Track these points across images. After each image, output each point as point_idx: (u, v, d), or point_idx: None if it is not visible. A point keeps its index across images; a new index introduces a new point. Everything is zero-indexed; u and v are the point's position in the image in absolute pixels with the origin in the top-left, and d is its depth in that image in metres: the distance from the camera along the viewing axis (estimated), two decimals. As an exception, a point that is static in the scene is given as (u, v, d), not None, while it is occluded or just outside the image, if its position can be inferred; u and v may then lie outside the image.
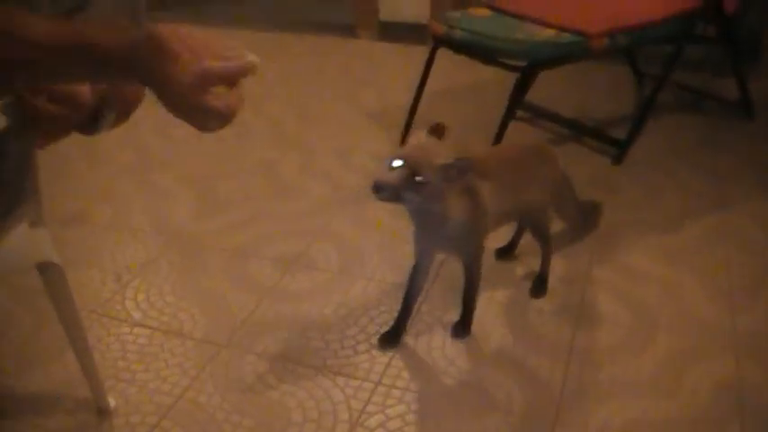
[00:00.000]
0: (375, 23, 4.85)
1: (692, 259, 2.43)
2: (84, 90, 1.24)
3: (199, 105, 0.98)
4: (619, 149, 3.12)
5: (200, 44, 1.00)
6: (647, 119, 3.23)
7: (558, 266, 2.34)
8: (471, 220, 1.91)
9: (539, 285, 2.28)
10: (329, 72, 4.30)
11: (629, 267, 2.39)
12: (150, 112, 1.27)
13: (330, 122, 3.53)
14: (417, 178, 1.69)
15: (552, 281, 2.29)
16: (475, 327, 2.09)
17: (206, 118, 1.00)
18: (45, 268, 1.54)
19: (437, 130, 1.84)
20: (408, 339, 2.05)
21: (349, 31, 4.92)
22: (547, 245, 2.27)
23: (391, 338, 2.04)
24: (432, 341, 2.06)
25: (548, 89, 3.47)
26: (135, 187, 2.90)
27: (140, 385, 1.88)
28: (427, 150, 1.76)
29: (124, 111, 1.39)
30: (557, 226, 2.41)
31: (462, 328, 2.08)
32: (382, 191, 1.68)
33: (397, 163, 1.69)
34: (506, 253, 2.45)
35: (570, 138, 3.35)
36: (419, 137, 1.83)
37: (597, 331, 2.10)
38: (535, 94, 3.29)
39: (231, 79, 1.02)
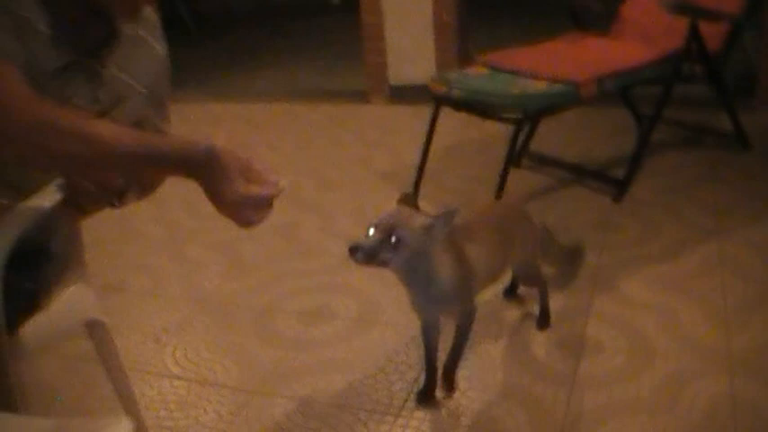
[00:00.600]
0: (386, 88, 5.11)
1: (688, 287, 2.59)
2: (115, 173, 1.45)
3: (238, 216, 1.31)
4: (618, 189, 3.30)
5: (246, 166, 1.32)
6: (645, 157, 3.43)
7: (560, 300, 2.52)
8: (459, 281, 1.98)
9: (542, 318, 2.44)
10: (344, 137, 4.54)
11: (629, 298, 2.55)
12: (177, 189, 1.49)
13: (346, 185, 3.75)
14: (392, 239, 1.78)
15: (555, 313, 2.45)
16: (484, 360, 2.27)
17: (239, 222, 1.32)
18: (93, 326, 1.74)
19: (406, 200, 1.93)
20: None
21: (361, 97, 5.18)
22: (541, 286, 2.44)
23: (427, 396, 2.14)
24: (446, 376, 2.23)
25: (552, 137, 3.70)
26: (168, 257, 3.11)
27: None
28: (399, 214, 1.86)
29: (148, 188, 1.61)
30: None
31: (449, 384, 2.13)
32: (357, 252, 1.76)
33: (372, 230, 1.80)
34: (512, 292, 2.61)
35: (573, 181, 3.54)
36: (390, 208, 1.91)
37: (598, 359, 2.25)
38: (541, 143, 3.50)
39: (266, 202, 1.34)
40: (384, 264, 1.83)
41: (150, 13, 1.61)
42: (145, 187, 1.61)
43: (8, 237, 1.36)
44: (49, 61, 1.38)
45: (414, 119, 4.45)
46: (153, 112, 1.65)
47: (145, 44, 1.59)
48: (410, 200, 1.95)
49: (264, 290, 2.79)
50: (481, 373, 2.23)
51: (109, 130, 1.27)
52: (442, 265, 1.94)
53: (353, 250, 1.76)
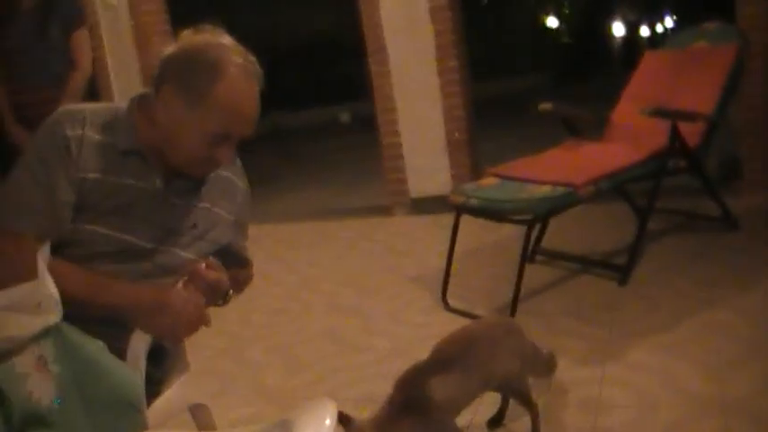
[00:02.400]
0: (407, 201, 5.62)
1: (686, 350, 2.99)
2: (225, 279, 1.90)
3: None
4: (622, 273, 3.73)
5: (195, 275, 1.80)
6: (643, 244, 3.87)
7: (577, 370, 2.92)
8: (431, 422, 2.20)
9: None
10: (373, 249, 5.02)
11: (636, 363, 2.95)
12: (233, 306, 1.94)
13: (380, 291, 4.19)
14: None
15: (574, 381, 2.85)
16: None
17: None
18: (197, 409, 2.16)
19: (341, 418, 2.07)
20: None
21: (384, 210, 5.69)
22: (531, 409, 2.49)
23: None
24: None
25: (560, 233, 4.17)
26: (232, 362, 3.55)
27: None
28: None
29: (243, 287, 2.08)
30: (570, 324, 3.03)
31: None
32: None
33: None
34: (497, 422, 2.64)
35: (582, 270, 3.99)
36: None
37: (612, 414, 2.64)
38: (551, 239, 3.94)
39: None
40: None
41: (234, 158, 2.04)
42: (240, 287, 2.08)
43: (147, 338, 1.80)
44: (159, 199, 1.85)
45: (434, 227, 4.93)
46: (239, 235, 2.13)
47: (230, 182, 2.04)
48: (344, 418, 2.10)
49: (321, 383, 3.21)
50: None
51: (62, 274, 1.57)
52: None
53: None
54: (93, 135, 1.80)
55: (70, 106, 1.89)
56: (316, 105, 13.41)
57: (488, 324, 2.71)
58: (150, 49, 6.20)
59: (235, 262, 2.05)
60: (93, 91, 6.55)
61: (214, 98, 1.74)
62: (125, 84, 6.32)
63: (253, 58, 1.81)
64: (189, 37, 1.82)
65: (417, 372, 2.31)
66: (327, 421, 1.25)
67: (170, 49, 1.81)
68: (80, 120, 1.80)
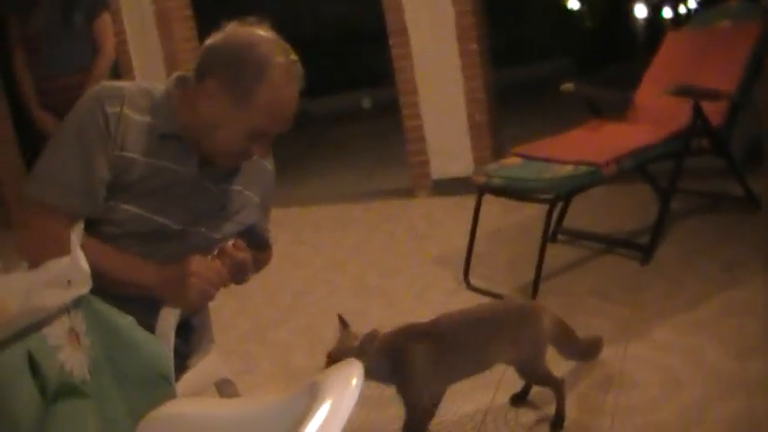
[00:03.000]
0: (429, 183, 5.63)
1: (709, 329, 3.00)
2: (250, 259, 1.93)
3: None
4: (645, 254, 3.73)
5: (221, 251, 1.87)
6: (666, 225, 3.87)
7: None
8: (400, 381, 2.35)
9: (556, 420, 2.51)
10: (397, 231, 5.04)
11: (658, 342, 2.96)
12: (257, 285, 1.97)
13: (405, 272, 4.22)
14: None
15: (594, 361, 2.86)
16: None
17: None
18: (223, 384, 2.20)
19: (343, 323, 2.38)
20: None
21: (407, 192, 5.71)
22: (553, 387, 2.52)
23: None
24: None
25: (583, 213, 4.18)
26: (257, 343, 3.58)
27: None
28: (340, 344, 2.30)
29: (258, 269, 2.11)
30: (593, 303, 3.04)
31: None
32: None
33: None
34: (520, 399, 2.69)
35: (604, 250, 3.99)
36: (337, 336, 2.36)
37: (633, 392, 2.65)
38: (573, 219, 3.95)
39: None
40: None
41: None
42: (258, 268, 2.11)
43: (176, 313, 1.84)
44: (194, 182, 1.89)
45: (457, 208, 4.94)
46: (263, 216, 2.16)
47: (260, 165, 2.07)
48: (345, 323, 2.37)
49: (346, 362, 3.24)
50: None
51: (93, 252, 1.60)
52: (380, 371, 2.30)
53: None
54: (132, 114, 1.82)
55: (109, 83, 1.91)
56: (339, 92, 13.41)
57: (501, 308, 2.71)
58: (173, 34, 6.24)
59: (256, 242, 2.08)
60: (116, 77, 6.61)
61: (257, 97, 1.78)
62: (147, 69, 6.34)
63: (295, 57, 1.85)
64: (235, 29, 1.84)
65: (410, 332, 2.43)
66: (354, 380, 1.27)
67: (216, 39, 1.83)
68: (119, 97, 1.82)
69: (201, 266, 1.80)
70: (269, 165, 2.12)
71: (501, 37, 9.07)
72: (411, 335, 2.41)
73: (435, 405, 2.51)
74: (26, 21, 4.31)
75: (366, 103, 13.11)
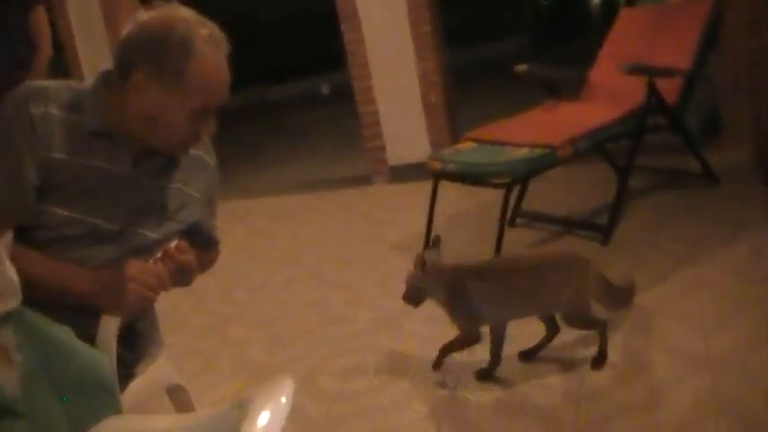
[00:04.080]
0: (386, 170, 5.57)
1: (671, 308, 2.98)
2: (194, 261, 1.84)
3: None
4: (604, 234, 3.70)
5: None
6: (625, 203, 3.84)
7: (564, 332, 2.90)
8: (455, 309, 2.70)
9: (598, 357, 2.68)
10: (355, 219, 4.97)
11: (620, 322, 2.92)
12: (212, 280, 1.89)
13: (363, 261, 4.16)
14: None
15: (557, 340, 2.81)
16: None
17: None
18: (174, 390, 2.12)
19: (436, 242, 2.77)
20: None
21: (364, 180, 5.64)
22: (597, 328, 2.69)
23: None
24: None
25: (541, 195, 4.14)
26: (215, 340, 3.50)
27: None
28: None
29: (203, 270, 2.02)
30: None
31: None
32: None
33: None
34: (529, 356, 2.81)
35: (564, 232, 3.95)
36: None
37: (599, 374, 2.63)
38: (531, 202, 3.91)
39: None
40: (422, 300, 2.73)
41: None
42: (204, 268, 2.03)
43: (116, 321, 1.76)
44: (126, 180, 1.81)
45: (415, 194, 4.88)
46: (207, 213, 2.07)
47: (200, 160, 1.99)
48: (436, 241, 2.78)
49: (305, 357, 3.17)
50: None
51: (24, 260, 1.57)
52: (439, 295, 2.70)
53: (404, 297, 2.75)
54: (58, 113, 1.74)
55: (32, 82, 1.81)
56: (296, 77, 13.29)
57: (546, 257, 2.93)
58: (118, 25, 6.10)
59: (201, 242, 2.01)
60: (63, 71, 6.46)
61: (190, 76, 1.70)
62: (93, 61, 6.21)
63: (214, 25, 1.76)
64: (147, 15, 1.74)
65: (464, 270, 2.77)
66: (283, 399, 1.30)
67: (131, 31, 1.74)
68: (43, 97, 1.74)
69: (139, 270, 1.72)
70: (210, 160, 2.03)
71: (454, 17, 9.01)
72: (465, 272, 2.74)
73: (500, 336, 2.74)
74: None
75: (325, 89, 13.01)
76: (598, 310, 2.71)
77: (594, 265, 2.70)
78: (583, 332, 2.82)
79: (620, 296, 2.85)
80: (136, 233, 1.84)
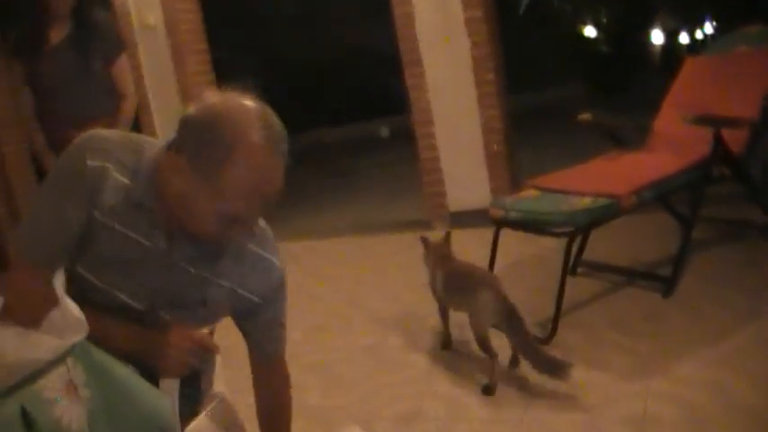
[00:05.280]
0: (446, 215, 5.57)
1: (735, 363, 2.91)
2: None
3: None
4: (667, 285, 3.65)
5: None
6: (688, 253, 3.78)
7: (619, 384, 2.86)
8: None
9: (485, 390, 3.04)
10: (413, 264, 4.94)
11: (682, 377, 2.87)
12: None
13: (423, 306, 4.12)
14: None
15: (617, 396, 2.79)
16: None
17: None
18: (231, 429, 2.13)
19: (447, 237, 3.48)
20: None
21: (424, 224, 5.64)
22: (486, 353, 3.06)
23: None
24: None
25: (603, 245, 4.10)
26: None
27: None
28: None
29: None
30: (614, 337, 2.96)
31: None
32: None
33: None
34: (513, 363, 3.19)
35: (625, 282, 3.91)
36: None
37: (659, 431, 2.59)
38: (593, 251, 3.87)
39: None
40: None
41: (263, 229, 1.89)
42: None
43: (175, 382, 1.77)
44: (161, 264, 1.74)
45: (475, 240, 4.85)
46: (268, 327, 2.06)
47: (262, 260, 1.88)
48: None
49: (362, 402, 3.17)
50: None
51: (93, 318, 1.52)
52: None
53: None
54: (113, 172, 1.68)
55: (97, 132, 1.75)
56: (356, 120, 13.40)
57: (476, 272, 3.36)
58: (187, 68, 6.24)
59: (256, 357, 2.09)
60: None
61: (225, 179, 1.59)
62: (163, 103, 6.35)
63: (280, 129, 1.65)
64: (210, 99, 1.65)
65: (443, 257, 3.45)
66: None
67: (191, 109, 1.64)
68: (105, 150, 1.69)
69: (181, 338, 1.72)
70: (276, 261, 1.92)
71: (515, 62, 9.03)
72: (442, 260, 3.45)
73: (444, 310, 3.51)
74: (37, 72, 4.12)
75: (384, 132, 13.09)
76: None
77: (507, 302, 3.07)
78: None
79: (547, 362, 2.96)
80: (160, 318, 1.78)
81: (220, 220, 1.65)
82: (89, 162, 1.66)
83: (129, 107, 4.19)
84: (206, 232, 1.69)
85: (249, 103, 1.63)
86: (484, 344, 3.06)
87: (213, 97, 1.65)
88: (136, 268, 1.71)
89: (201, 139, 1.59)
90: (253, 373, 2.11)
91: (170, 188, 1.66)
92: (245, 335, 2.00)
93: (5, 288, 1.61)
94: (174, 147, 1.64)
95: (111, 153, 1.69)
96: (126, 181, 1.69)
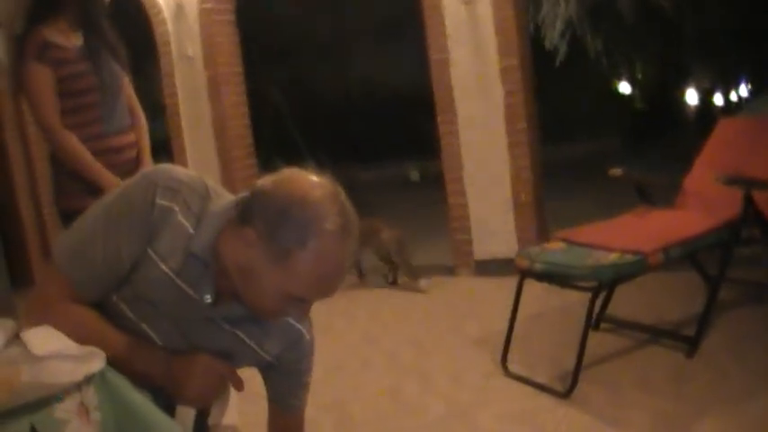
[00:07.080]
0: (471, 262, 5.56)
1: (759, 425, 2.86)
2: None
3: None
4: (690, 345, 3.60)
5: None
6: (713, 314, 3.73)
7: None
8: None
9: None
10: (436, 309, 4.96)
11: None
12: None
13: (441, 352, 4.12)
14: None
15: None
16: None
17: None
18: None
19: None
20: None
21: (448, 270, 5.63)
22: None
23: None
24: None
25: (627, 300, 4.07)
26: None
27: None
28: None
29: None
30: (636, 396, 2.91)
31: None
32: None
33: None
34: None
35: (648, 340, 3.86)
36: None
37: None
38: (617, 307, 3.84)
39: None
40: None
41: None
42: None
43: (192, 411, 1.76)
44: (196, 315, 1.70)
45: (498, 289, 4.86)
46: (289, 386, 2.00)
47: (292, 330, 1.84)
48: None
49: (375, 444, 3.15)
50: None
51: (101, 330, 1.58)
52: None
53: None
54: (179, 215, 1.63)
55: (169, 169, 1.70)
56: (386, 160, 13.44)
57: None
58: (222, 98, 6.32)
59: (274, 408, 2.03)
60: (166, 138, 6.67)
61: (296, 262, 1.55)
62: (196, 133, 6.42)
63: (354, 215, 1.64)
64: (289, 177, 1.61)
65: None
66: None
67: (266, 183, 1.60)
68: (174, 191, 1.64)
69: (206, 368, 1.68)
70: (306, 334, 1.89)
71: (549, 113, 9.06)
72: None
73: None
74: (79, 71, 3.40)
75: (414, 176, 13.10)
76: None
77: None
78: None
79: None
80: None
81: (283, 299, 1.62)
82: (158, 201, 1.62)
83: (138, 132, 3.80)
84: (262, 307, 1.66)
85: (326, 186, 1.62)
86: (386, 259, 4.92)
87: (290, 175, 1.62)
88: (172, 311, 1.67)
89: (276, 221, 1.56)
90: (269, 425, 2.06)
91: (234, 257, 1.62)
92: (267, 386, 1.97)
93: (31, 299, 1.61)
94: (244, 217, 1.60)
95: (179, 193, 1.65)
96: (189, 227, 1.64)
